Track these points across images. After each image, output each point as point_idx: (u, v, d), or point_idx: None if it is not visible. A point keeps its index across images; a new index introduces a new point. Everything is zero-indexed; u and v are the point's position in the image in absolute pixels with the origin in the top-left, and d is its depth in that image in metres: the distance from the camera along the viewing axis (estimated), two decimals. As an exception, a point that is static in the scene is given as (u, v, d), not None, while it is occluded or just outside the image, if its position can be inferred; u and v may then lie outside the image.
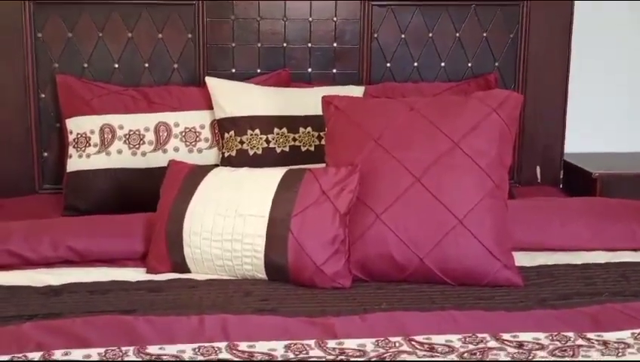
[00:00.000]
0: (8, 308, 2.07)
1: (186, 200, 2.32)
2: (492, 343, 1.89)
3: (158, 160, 2.85)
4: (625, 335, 1.93)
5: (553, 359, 1.80)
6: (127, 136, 2.89)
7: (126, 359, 1.80)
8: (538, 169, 3.30)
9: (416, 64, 3.20)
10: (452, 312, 2.03)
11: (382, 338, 1.90)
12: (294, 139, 2.86)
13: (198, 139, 2.93)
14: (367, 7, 3.14)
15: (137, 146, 2.89)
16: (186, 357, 1.81)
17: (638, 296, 2.14)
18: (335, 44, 3.17)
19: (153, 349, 1.84)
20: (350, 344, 1.88)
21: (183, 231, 2.28)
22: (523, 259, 2.38)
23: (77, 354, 1.82)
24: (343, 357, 1.81)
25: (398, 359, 1.80)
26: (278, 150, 2.84)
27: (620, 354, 1.83)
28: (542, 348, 1.86)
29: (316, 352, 1.84)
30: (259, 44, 3.14)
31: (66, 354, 1.82)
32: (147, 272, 2.33)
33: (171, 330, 1.92)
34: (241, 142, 2.83)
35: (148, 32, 3.08)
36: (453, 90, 3.08)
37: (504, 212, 2.32)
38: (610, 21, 3.34)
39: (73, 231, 2.47)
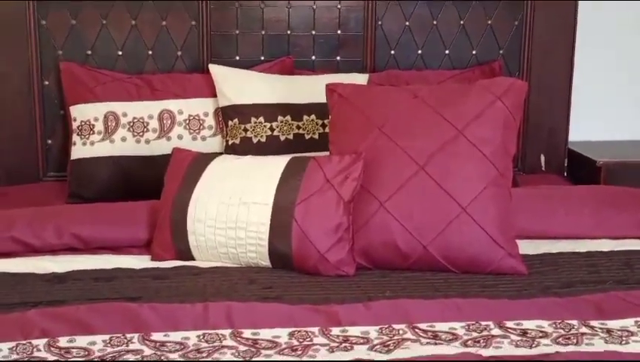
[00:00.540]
0: (13, 296, 2.08)
1: (190, 188, 2.32)
2: (496, 331, 1.89)
3: (161, 147, 2.85)
4: (628, 323, 1.93)
5: (557, 347, 1.80)
6: (131, 124, 2.89)
7: (131, 346, 1.80)
8: (542, 157, 3.30)
9: (420, 52, 3.20)
10: (456, 300, 2.03)
11: (386, 326, 1.90)
12: (298, 127, 2.86)
13: (201, 126, 2.93)
14: (372, -5, 3.14)
15: (141, 134, 2.89)
16: (190, 343, 1.82)
17: (642, 284, 2.15)
18: (339, 32, 3.16)
19: (158, 336, 1.85)
20: (354, 331, 1.88)
21: (187, 218, 2.28)
22: (527, 247, 2.38)
23: (81, 340, 1.82)
24: (346, 345, 1.81)
25: (402, 346, 1.80)
26: (282, 138, 2.84)
27: (623, 342, 1.83)
28: (545, 335, 1.87)
29: (320, 339, 1.84)
30: (263, 32, 3.13)
31: (71, 340, 1.82)
32: (152, 260, 2.34)
33: (176, 317, 1.92)
34: (245, 130, 2.83)
35: (151, 20, 3.07)
36: (458, 78, 3.08)
37: (508, 200, 2.32)
38: (615, 10, 3.33)
39: (77, 218, 2.48)
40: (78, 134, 2.91)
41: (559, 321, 1.93)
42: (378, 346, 1.81)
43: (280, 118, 2.85)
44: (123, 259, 2.34)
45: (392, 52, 3.19)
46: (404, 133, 2.33)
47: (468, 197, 2.24)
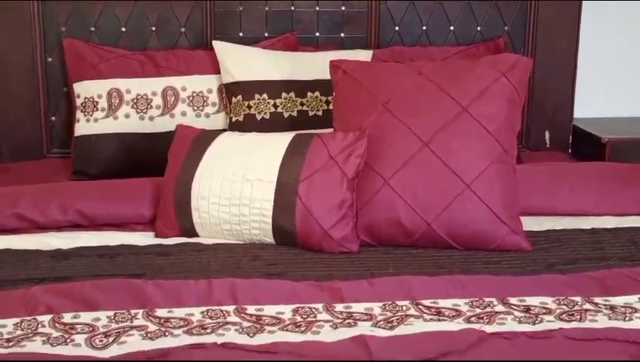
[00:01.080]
0: (18, 272, 2.08)
1: (193, 164, 2.32)
2: (499, 307, 1.89)
3: (165, 124, 2.85)
4: (632, 299, 1.93)
5: (560, 323, 1.81)
6: (135, 101, 2.89)
7: (135, 322, 1.81)
8: (547, 134, 3.29)
9: (424, 28, 3.18)
10: (459, 277, 2.04)
11: (389, 302, 1.91)
12: (302, 104, 2.85)
13: (205, 103, 2.92)
14: (376, -30, 3.12)
15: (145, 111, 2.89)
16: (194, 319, 1.82)
17: (646, 261, 2.15)
18: (343, 8, 3.14)
19: (162, 312, 1.86)
20: (358, 308, 1.89)
21: (191, 195, 2.28)
22: (531, 223, 2.38)
23: (86, 316, 1.83)
24: (350, 321, 1.82)
25: (406, 323, 1.80)
26: (286, 115, 2.83)
27: (627, 319, 1.83)
28: (549, 312, 1.87)
29: (324, 316, 1.85)
30: (266, 8, 3.12)
31: (76, 316, 1.83)
32: (156, 236, 2.34)
33: (180, 294, 1.93)
34: (249, 107, 2.83)
35: (155, -4, 3.06)
36: (462, 55, 3.06)
37: (512, 177, 2.31)
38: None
39: (82, 195, 2.48)
40: (81, 111, 2.91)
41: (563, 298, 1.94)
42: (382, 322, 1.81)
43: (284, 94, 2.84)
44: (127, 235, 2.34)
45: (397, 28, 3.17)
46: (408, 110, 2.32)
47: (472, 174, 2.24)
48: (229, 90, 2.88)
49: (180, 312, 1.86)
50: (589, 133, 3.20)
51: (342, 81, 2.46)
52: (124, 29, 3.07)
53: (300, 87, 2.85)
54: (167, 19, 3.08)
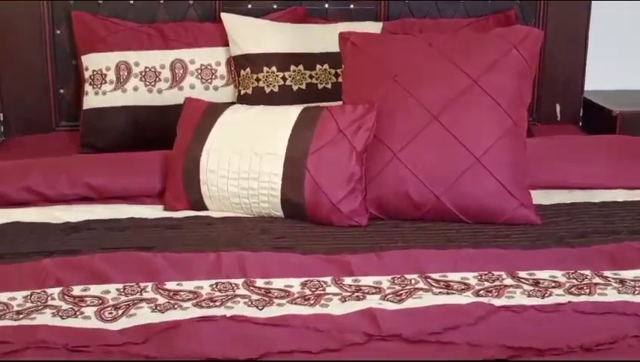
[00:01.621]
0: (28, 245, 2.09)
1: (202, 138, 2.31)
2: (508, 281, 1.89)
3: (174, 97, 2.84)
4: (642, 273, 1.93)
5: (569, 296, 1.80)
6: (143, 73, 2.88)
7: (144, 294, 1.82)
8: (558, 107, 3.27)
9: (435, -1, 3.15)
10: (468, 250, 2.03)
11: (398, 276, 1.91)
12: (311, 77, 2.84)
13: (214, 76, 2.91)
14: (386, -59, 3.08)
15: (153, 83, 2.88)
16: (203, 292, 1.83)
17: (657, 235, 2.14)
18: (353, -21, 3.12)
19: (171, 285, 1.86)
20: (366, 281, 1.89)
21: (200, 168, 2.28)
22: (541, 197, 2.37)
23: (95, 289, 1.84)
24: (359, 294, 1.82)
25: (414, 296, 1.80)
26: (295, 88, 2.82)
27: (636, 292, 1.82)
28: (558, 285, 1.86)
29: (332, 289, 1.85)
30: (275, -21, 3.10)
31: (85, 289, 1.84)
32: (164, 209, 2.35)
33: (189, 267, 1.93)
34: (258, 80, 2.81)
35: (163, -32, 3.04)
36: (473, 27, 3.04)
37: (522, 150, 2.30)
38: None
39: (91, 168, 2.48)
40: (90, 84, 2.90)
41: (572, 271, 1.93)
42: (390, 296, 1.81)
43: (292, 67, 2.83)
44: (136, 208, 2.35)
45: (407, 0, 3.15)
46: (418, 83, 2.31)
47: (482, 147, 2.23)
48: (238, 63, 2.87)
49: (189, 285, 1.86)
50: (600, 105, 3.18)
51: (351, 54, 2.45)
52: (132, 2, 3.05)
53: (308, 60, 2.84)
54: (176, -9, 3.06)
